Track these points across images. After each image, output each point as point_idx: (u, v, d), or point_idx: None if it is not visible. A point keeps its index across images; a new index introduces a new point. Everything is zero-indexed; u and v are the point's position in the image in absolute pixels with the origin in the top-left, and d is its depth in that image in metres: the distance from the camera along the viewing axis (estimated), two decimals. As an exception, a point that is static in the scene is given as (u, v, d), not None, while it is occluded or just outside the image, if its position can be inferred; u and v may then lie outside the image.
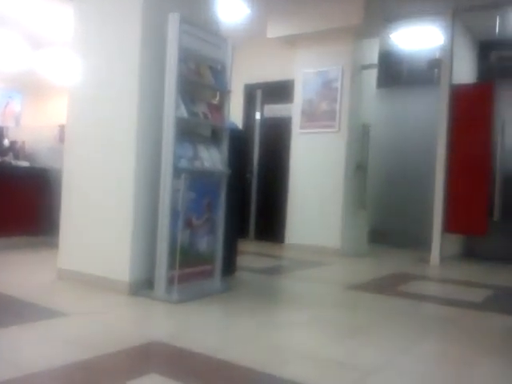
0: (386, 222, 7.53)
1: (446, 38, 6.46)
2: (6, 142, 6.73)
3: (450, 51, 6.42)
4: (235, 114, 7.87)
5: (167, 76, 3.82)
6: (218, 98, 4.37)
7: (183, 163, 3.82)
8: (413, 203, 7.17)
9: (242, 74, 8.03)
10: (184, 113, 3.87)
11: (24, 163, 6.32)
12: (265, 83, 7.93)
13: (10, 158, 6.27)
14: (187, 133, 3.98)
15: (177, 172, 3.75)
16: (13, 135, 7.51)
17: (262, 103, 8.09)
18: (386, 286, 4.81)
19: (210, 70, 4.20)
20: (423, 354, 2.81)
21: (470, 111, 6.28)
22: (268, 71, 7.76)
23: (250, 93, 8.17)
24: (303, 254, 6.37)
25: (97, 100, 4.18)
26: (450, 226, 6.27)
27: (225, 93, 4.31)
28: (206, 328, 3.12)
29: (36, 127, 7.78)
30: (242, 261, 5.14)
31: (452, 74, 6.41)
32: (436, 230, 6.27)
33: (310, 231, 6.82)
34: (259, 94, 8.10)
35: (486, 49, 7.32)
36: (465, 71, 7.11)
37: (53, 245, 4.48)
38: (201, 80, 4.08)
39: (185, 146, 3.91)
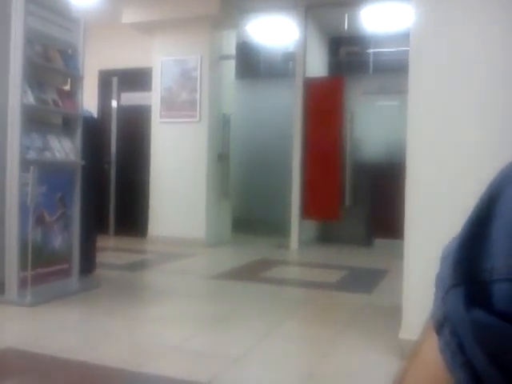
0: (248, 210, 7.69)
1: (300, 33, 6.73)
2: None
3: (303, 45, 6.70)
4: (89, 102, 7.46)
5: (12, 59, 3.48)
6: (69, 85, 4.09)
7: (32, 154, 3.52)
8: (273, 191, 7.41)
9: (97, 59, 7.64)
10: (31, 99, 3.57)
11: None
12: (121, 70, 7.62)
13: None
14: (35, 121, 3.67)
15: (25, 164, 3.44)
16: None
17: (119, 91, 7.77)
18: (248, 272, 4.91)
19: (60, 54, 3.91)
20: (284, 337, 2.89)
21: (322, 103, 6.61)
22: (125, 58, 7.47)
23: (106, 80, 7.80)
24: (167, 247, 6.27)
25: None
26: (306, 212, 6.58)
27: (77, 78, 4.04)
28: (64, 330, 2.92)
29: None
30: (102, 257, 4.90)
31: (305, 67, 6.70)
32: (294, 217, 6.54)
33: (174, 222, 6.73)
34: (115, 81, 7.76)
35: (336, 44, 7.76)
36: (317, 65, 7.47)
37: None
38: (50, 64, 3.78)
39: (33, 136, 3.60)
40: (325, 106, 6.63)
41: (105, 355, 2.46)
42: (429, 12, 2.77)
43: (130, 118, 7.63)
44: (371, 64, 7.42)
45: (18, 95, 3.45)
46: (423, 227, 2.59)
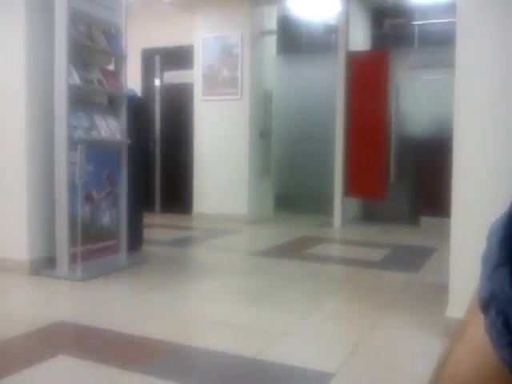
0: (290, 187, 7.67)
1: (342, 5, 6.57)
2: None
3: (345, 18, 6.55)
4: (133, 81, 7.56)
5: (57, 40, 3.55)
6: (113, 64, 4.14)
7: (79, 134, 3.60)
8: (315, 168, 7.35)
9: (140, 38, 7.71)
10: (77, 80, 3.64)
11: None
12: (164, 48, 7.66)
13: None
14: (81, 101, 3.75)
15: (72, 143, 3.53)
16: None
17: (162, 69, 7.82)
18: (290, 250, 4.92)
19: (104, 34, 3.97)
20: (327, 314, 2.90)
21: (365, 78, 6.48)
22: (167, 36, 7.49)
23: (149, 58, 7.86)
24: (211, 224, 6.35)
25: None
26: (349, 190, 6.51)
27: (120, 58, 4.09)
28: (114, 304, 3.01)
29: None
30: (149, 234, 5.02)
31: (348, 40, 6.56)
32: (337, 195, 6.48)
33: (217, 200, 6.79)
34: (158, 59, 7.82)
35: (379, 16, 7.55)
36: (360, 39, 7.30)
37: None
38: (94, 44, 3.84)
39: (79, 116, 3.68)
40: (368, 81, 6.49)
41: (152, 329, 2.54)
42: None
43: (173, 96, 7.69)
44: (417, 36, 7.19)
45: (63, 76, 3.52)
46: (471, 204, 2.52)
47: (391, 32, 7.34)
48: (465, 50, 2.59)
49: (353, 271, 4.05)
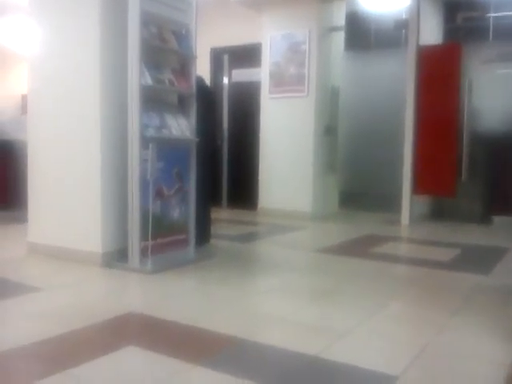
0: (356, 184, 7.58)
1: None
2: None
3: (416, 11, 6.38)
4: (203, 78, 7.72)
5: (130, 42, 3.70)
6: (183, 64, 4.26)
7: (150, 132, 3.74)
8: (382, 165, 7.22)
9: (208, 37, 7.86)
10: (149, 80, 3.77)
11: (-15, 136, 6.11)
12: (232, 47, 7.78)
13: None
14: (153, 100, 3.89)
15: (144, 141, 3.68)
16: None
17: (230, 68, 7.95)
18: (355, 248, 4.88)
19: (174, 35, 4.08)
20: (391, 316, 2.86)
21: (437, 72, 6.29)
22: (235, 35, 7.60)
23: (217, 57, 8.01)
24: (275, 219, 6.40)
25: (57, 71, 4.04)
26: (418, 187, 6.36)
27: (190, 58, 4.20)
28: (182, 297, 3.12)
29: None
30: (217, 229, 5.14)
31: (419, 34, 6.39)
32: (405, 192, 6.35)
33: (282, 196, 6.84)
34: (226, 58, 7.94)
35: (452, 9, 7.30)
36: (432, 32, 7.09)
37: (22, 219, 4.38)
38: (165, 45, 3.97)
39: (151, 115, 3.82)
40: (440, 75, 6.30)
41: (217, 323, 2.61)
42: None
43: (240, 94, 7.79)
44: (491, 29, 6.88)
45: (136, 76, 3.67)
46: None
47: (465, 25, 7.08)
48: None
49: (420, 272, 3.97)
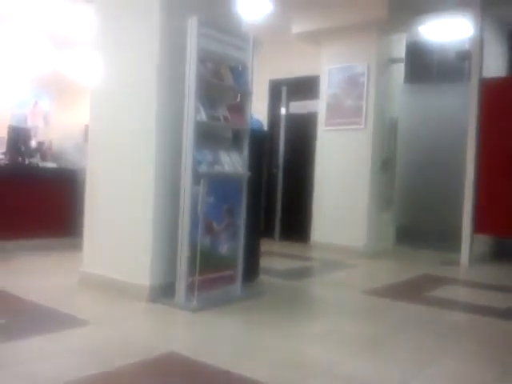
0: (413, 220, 7.36)
1: (475, 29, 6.23)
2: (33, 143, 6.79)
3: (479, 43, 6.20)
4: (261, 110, 7.81)
5: (187, 80, 3.76)
6: (239, 99, 4.30)
7: (203, 168, 3.77)
8: (442, 201, 6.98)
9: (267, 69, 7.95)
10: (204, 117, 3.82)
11: (51, 164, 6.38)
12: (290, 79, 7.84)
13: (37, 160, 6.33)
14: (207, 136, 3.93)
15: (196, 177, 3.71)
16: (42, 135, 7.60)
17: (288, 99, 7.99)
18: (408, 290, 4.69)
19: (231, 71, 4.13)
20: (444, 372, 2.69)
21: (501, 105, 6.06)
22: (293, 67, 7.65)
23: (276, 89, 8.08)
24: (328, 254, 6.28)
25: (116, 104, 4.17)
26: (480, 226, 6.08)
27: (246, 94, 4.23)
28: (224, 340, 3.07)
29: (63, 127, 7.86)
30: (267, 262, 5.08)
31: (482, 66, 6.19)
32: (466, 231, 6.09)
33: (336, 230, 6.72)
34: (284, 90, 7.99)
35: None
36: (496, 63, 6.87)
37: (78, 247, 4.49)
38: (221, 82, 4.01)
39: (204, 151, 3.86)
40: (504, 109, 6.06)
41: (257, 369, 2.54)
42: None
43: (297, 125, 7.80)
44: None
45: (192, 113, 3.72)
46: None
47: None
48: None
49: (474, 320, 3.74)
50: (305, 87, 7.57)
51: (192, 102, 3.72)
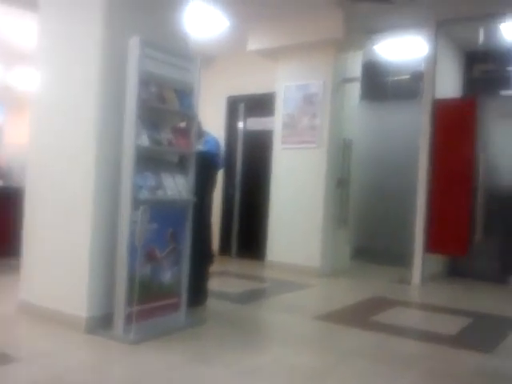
0: (368, 238, 7.39)
1: (429, 51, 6.31)
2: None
3: (432, 64, 6.28)
4: (218, 127, 7.75)
5: (127, 102, 3.66)
6: (184, 122, 4.21)
7: (144, 194, 3.66)
8: (395, 219, 7.02)
9: (225, 86, 7.90)
10: (146, 141, 3.72)
11: (-4, 182, 6.17)
12: (248, 96, 7.79)
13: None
14: (150, 159, 3.82)
15: (136, 203, 3.60)
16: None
17: (245, 116, 7.93)
18: (358, 314, 4.66)
19: (176, 94, 4.04)
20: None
21: (453, 126, 6.13)
22: (251, 83, 7.61)
23: (233, 105, 8.02)
24: (282, 274, 6.22)
25: (53, 124, 4.03)
26: (431, 245, 6.12)
27: (192, 117, 4.15)
28: (161, 376, 2.96)
29: (14, 143, 7.63)
30: (218, 284, 5.00)
31: (435, 87, 6.27)
32: (417, 250, 6.13)
33: (291, 249, 6.67)
34: (242, 106, 7.94)
35: (471, 61, 7.17)
36: (450, 84, 6.96)
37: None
38: (165, 105, 3.92)
39: (146, 175, 3.75)
40: (456, 129, 6.14)
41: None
42: None
43: (255, 142, 7.75)
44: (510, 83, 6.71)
45: (131, 137, 3.61)
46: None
47: (483, 77, 6.92)
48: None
49: (423, 348, 3.73)
50: (262, 104, 7.53)
51: (132, 126, 3.62)
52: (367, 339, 3.86)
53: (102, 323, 3.66)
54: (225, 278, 6.08)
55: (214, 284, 5.09)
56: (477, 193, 6.08)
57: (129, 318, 3.54)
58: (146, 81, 3.73)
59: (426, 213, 6.13)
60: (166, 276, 3.90)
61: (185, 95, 4.11)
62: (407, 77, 7.36)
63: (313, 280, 6.01)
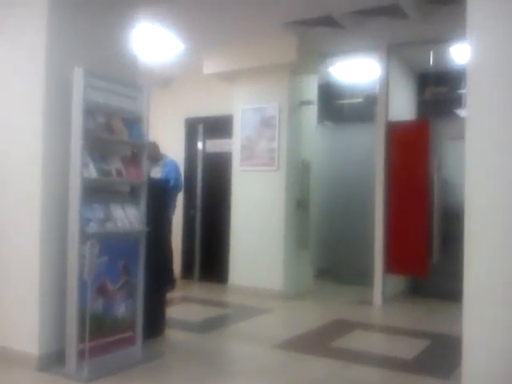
0: (330, 258, 7.40)
1: (381, 74, 6.41)
2: None
3: (385, 87, 6.38)
4: (177, 149, 7.69)
5: (72, 133, 3.59)
6: (134, 152, 4.14)
7: (92, 227, 3.57)
8: (356, 239, 7.05)
9: (183, 108, 7.87)
10: (93, 172, 3.64)
11: None
12: (206, 118, 7.76)
13: None
14: (99, 191, 3.74)
15: (84, 237, 3.50)
16: None
17: (204, 137, 7.90)
18: (318, 340, 4.61)
19: (124, 123, 3.97)
20: None
21: (406, 149, 6.23)
22: (208, 105, 7.60)
23: (192, 127, 7.97)
24: (244, 299, 6.14)
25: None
26: (391, 266, 6.15)
27: (141, 146, 4.08)
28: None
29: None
30: (178, 311, 4.90)
31: (388, 109, 6.36)
32: (377, 270, 6.15)
33: (253, 272, 6.60)
34: (201, 128, 7.91)
35: (424, 83, 7.33)
36: (403, 106, 7.09)
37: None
38: (112, 135, 3.85)
39: (94, 208, 3.66)
40: (409, 152, 6.24)
41: None
42: (487, 49, 2.73)
43: (214, 164, 7.71)
44: (463, 105, 6.87)
45: (78, 169, 3.53)
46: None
47: (436, 100, 7.07)
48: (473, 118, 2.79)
49: (380, 375, 3.71)
50: (221, 126, 7.51)
51: (78, 158, 3.54)
52: (327, 368, 3.82)
53: (54, 360, 3.55)
54: (186, 304, 5.97)
55: (174, 311, 5.01)
56: (433, 213, 6.15)
57: (81, 355, 3.43)
58: (92, 111, 3.67)
59: (385, 233, 6.17)
60: (120, 309, 3.80)
61: (134, 124, 4.06)
62: (361, 100, 7.49)
63: (276, 303, 5.95)
